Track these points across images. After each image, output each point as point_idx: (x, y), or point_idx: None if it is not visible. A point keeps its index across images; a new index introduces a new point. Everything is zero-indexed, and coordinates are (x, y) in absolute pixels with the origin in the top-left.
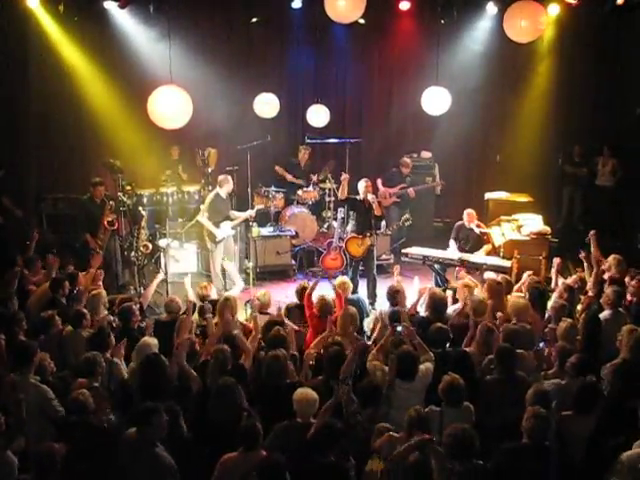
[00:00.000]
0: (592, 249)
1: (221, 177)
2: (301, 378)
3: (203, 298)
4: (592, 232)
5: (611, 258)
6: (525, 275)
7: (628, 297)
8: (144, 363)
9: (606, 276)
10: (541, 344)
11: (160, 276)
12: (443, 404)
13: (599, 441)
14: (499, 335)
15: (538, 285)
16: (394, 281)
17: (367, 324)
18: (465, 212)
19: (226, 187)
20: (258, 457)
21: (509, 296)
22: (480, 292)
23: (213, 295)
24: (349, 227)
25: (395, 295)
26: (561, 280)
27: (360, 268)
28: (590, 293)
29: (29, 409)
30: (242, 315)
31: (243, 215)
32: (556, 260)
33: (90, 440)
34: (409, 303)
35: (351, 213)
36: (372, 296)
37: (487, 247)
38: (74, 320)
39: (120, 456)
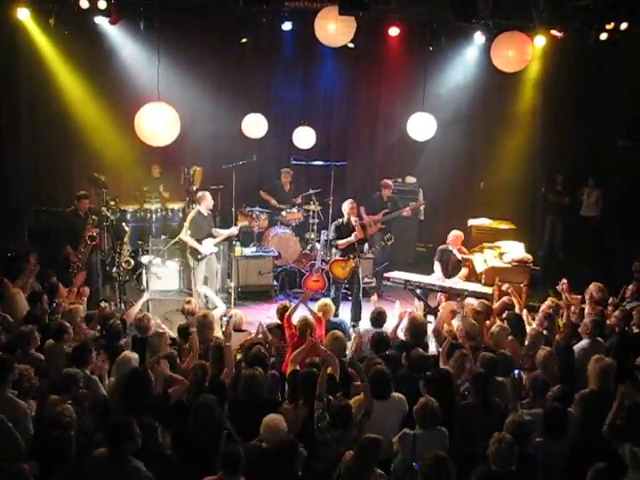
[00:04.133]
0: (564, 295)
1: (199, 194)
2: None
3: (189, 313)
4: (563, 281)
5: (592, 285)
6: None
7: (609, 325)
8: (130, 376)
9: (586, 305)
10: (516, 372)
11: (146, 296)
12: (417, 427)
13: (575, 468)
14: (472, 360)
15: (515, 312)
16: (373, 307)
17: (349, 346)
18: (452, 233)
19: (205, 203)
20: None
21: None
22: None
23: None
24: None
25: (378, 317)
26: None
27: (343, 291)
28: (562, 329)
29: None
30: (219, 331)
31: (226, 232)
32: (563, 280)
33: (68, 457)
34: (389, 327)
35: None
36: (356, 319)
37: (463, 271)
38: (56, 333)
39: (95, 473)
